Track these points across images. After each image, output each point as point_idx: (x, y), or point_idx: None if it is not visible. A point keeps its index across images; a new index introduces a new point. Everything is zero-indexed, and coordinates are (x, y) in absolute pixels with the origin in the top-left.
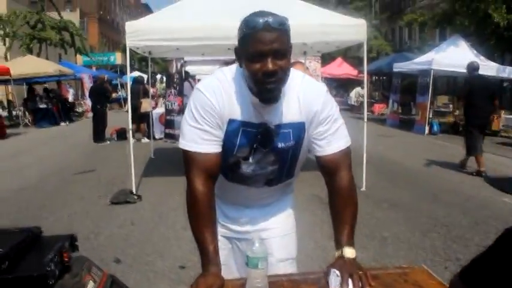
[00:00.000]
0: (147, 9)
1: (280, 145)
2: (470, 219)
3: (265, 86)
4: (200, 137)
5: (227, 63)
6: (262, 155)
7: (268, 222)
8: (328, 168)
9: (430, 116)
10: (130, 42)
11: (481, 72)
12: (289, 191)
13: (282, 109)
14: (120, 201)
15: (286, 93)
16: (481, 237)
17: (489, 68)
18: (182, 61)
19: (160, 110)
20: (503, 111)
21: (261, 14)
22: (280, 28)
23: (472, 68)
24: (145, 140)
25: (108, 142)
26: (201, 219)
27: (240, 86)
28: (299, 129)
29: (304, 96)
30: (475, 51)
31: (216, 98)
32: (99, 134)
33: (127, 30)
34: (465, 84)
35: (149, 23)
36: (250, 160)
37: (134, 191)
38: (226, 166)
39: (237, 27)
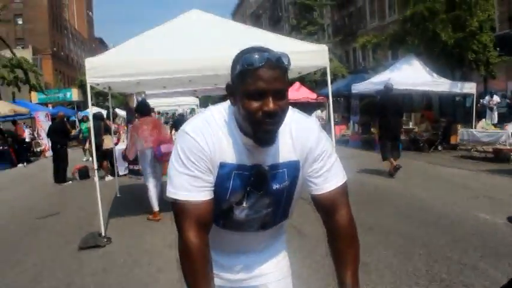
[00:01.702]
0: (101, 44)
1: (275, 187)
2: (448, 237)
3: (263, 126)
4: (190, 184)
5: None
6: (256, 199)
7: (264, 268)
8: (325, 206)
9: None
10: (90, 78)
11: (434, 89)
12: (282, 232)
13: (275, 149)
14: (89, 246)
15: (279, 132)
16: (462, 254)
17: (442, 84)
18: (143, 95)
19: (123, 145)
20: (459, 126)
21: (260, 49)
22: (282, 65)
23: (388, 88)
24: (109, 177)
25: (71, 182)
26: (197, 276)
27: (230, 126)
28: (294, 168)
29: (296, 134)
30: (427, 69)
31: (206, 141)
32: (60, 174)
33: (87, 66)
34: (379, 102)
35: (109, 59)
36: (244, 204)
37: (103, 233)
38: (218, 212)
39: (197, 60)
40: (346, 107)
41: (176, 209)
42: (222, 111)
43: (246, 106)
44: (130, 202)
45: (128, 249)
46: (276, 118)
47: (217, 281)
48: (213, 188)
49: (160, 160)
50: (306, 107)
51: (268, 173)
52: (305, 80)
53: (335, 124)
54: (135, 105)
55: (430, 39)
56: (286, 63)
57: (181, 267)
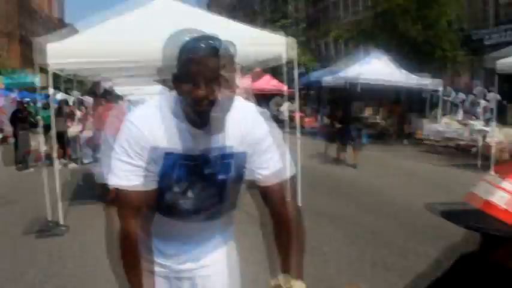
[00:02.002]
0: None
1: (220, 177)
2: (406, 229)
3: (206, 113)
4: (133, 173)
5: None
6: (202, 189)
7: (210, 258)
8: (272, 197)
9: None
10: (53, 64)
11: (402, 83)
12: (229, 223)
13: (222, 139)
14: (46, 234)
15: (226, 122)
16: (419, 246)
17: (410, 80)
18: (110, 82)
19: (88, 133)
20: (425, 120)
21: (204, 37)
22: (225, 53)
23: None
24: (72, 165)
25: (32, 169)
26: (134, 262)
27: (177, 116)
28: (240, 159)
29: (245, 125)
30: (396, 64)
31: (150, 130)
32: (21, 161)
33: (49, 52)
34: (331, 95)
35: (74, 45)
36: (189, 195)
37: (61, 221)
38: (163, 202)
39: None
40: (317, 100)
41: (117, 196)
42: (168, 100)
43: (189, 93)
44: (91, 190)
45: (86, 237)
46: (217, 104)
47: (162, 271)
48: (155, 178)
49: None
50: (276, 99)
51: (213, 163)
52: (276, 71)
53: (305, 116)
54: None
55: (399, 36)
56: (230, 50)
57: (119, 251)
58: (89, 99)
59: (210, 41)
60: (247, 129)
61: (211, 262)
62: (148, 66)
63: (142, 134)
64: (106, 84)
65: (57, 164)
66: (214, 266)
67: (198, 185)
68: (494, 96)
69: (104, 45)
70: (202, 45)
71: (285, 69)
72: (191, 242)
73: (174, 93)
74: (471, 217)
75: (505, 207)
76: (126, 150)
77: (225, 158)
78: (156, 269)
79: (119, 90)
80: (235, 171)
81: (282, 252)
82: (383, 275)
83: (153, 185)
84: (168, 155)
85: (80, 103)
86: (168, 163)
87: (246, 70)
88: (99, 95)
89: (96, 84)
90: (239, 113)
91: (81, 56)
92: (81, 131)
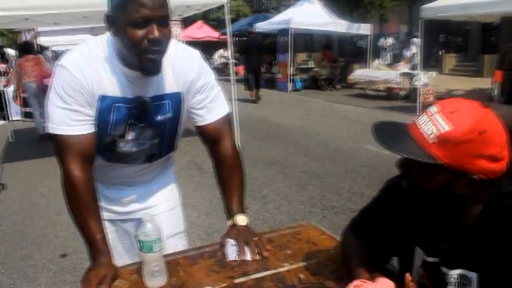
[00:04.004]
0: None
1: (157, 118)
2: (340, 169)
3: (148, 55)
4: (70, 118)
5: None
6: (140, 131)
7: (153, 199)
8: (210, 137)
9: (292, 74)
10: None
11: (334, 29)
12: (169, 164)
13: (157, 80)
14: None
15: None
16: (352, 184)
17: (340, 25)
18: (34, 32)
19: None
20: (355, 65)
21: None
22: None
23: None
24: (0, 122)
25: None
26: (83, 208)
27: (111, 58)
28: (176, 100)
29: (179, 65)
30: (327, 10)
31: (83, 74)
32: None
33: None
34: (244, 43)
35: None
36: (128, 137)
37: None
38: (102, 146)
39: None
40: None
41: (57, 144)
42: (99, 43)
43: (130, 35)
44: (25, 146)
45: (24, 194)
46: (161, 46)
47: (106, 215)
48: (94, 122)
49: (45, 93)
50: (209, 46)
51: (150, 105)
52: (208, 18)
53: (238, 64)
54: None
55: None
56: None
57: (67, 200)
58: (11, 52)
59: None
60: (180, 70)
61: (154, 203)
62: (72, 13)
63: (75, 78)
64: (28, 34)
65: None
66: (159, 206)
67: (135, 127)
68: (417, 41)
69: None
70: None
71: (227, 15)
72: (133, 184)
73: (106, 36)
74: (398, 140)
75: (422, 129)
76: (60, 96)
77: (161, 99)
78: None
79: (45, 40)
80: (172, 111)
81: (223, 188)
82: (320, 213)
83: (91, 129)
84: (102, 98)
85: (2, 56)
86: (104, 106)
87: (176, 16)
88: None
89: (18, 34)
90: (172, 53)
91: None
92: (5, 86)
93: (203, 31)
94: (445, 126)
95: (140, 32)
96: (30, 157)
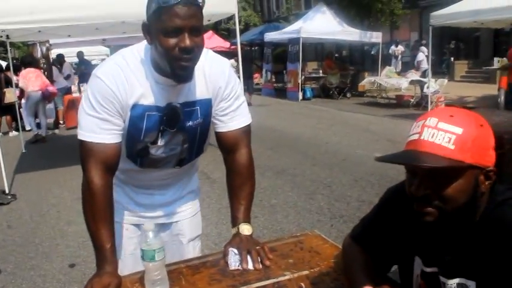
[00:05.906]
0: None
1: (188, 124)
2: (349, 177)
3: (180, 63)
4: (99, 127)
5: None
6: (171, 136)
7: (180, 204)
8: (228, 144)
9: (302, 83)
10: None
11: (344, 38)
12: (194, 170)
13: (189, 87)
14: None
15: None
16: (360, 192)
17: (352, 34)
18: (48, 44)
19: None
20: (366, 73)
21: None
22: (197, 3)
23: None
24: (13, 133)
25: None
26: (97, 215)
27: (145, 66)
28: (206, 105)
29: (210, 72)
30: (338, 19)
31: (117, 85)
32: None
33: None
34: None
35: (5, 3)
36: (159, 143)
37: (7, 190)
38: (135, 152)
39: (101, 5)
40: (260, 56)
41: (83, 150)
42: (135, 52)
43: (163, 43)
44: (37, 157)
45: (35, 204)
46: (192, 54)
47: (133, 219)
48: (121, 132)
49: (50, 99)
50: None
51: (180, 111)
52: (218, 28)
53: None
54: (39, 56)
55: None
56: (200, 0)
57: (82, 205)
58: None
59: None
60: (211, 77)
61: (181, 208)
62: (85, 25)
63: (108, 88)
64: (43, 47)
65: None
66: (184, 212)
67: (166, 133)
68: (425, 49)
69: (39, 3)
70: None
71: (237, 25)
72: (163, 189)
73: (142, 45)
74: (406, 156)
75: (435, 140)
76: (92, 104)
77: (191, 105)
78: (127, 217)
79: (57, 52)
80: (202, 117)
81: (233, 196)
82: (329, 222)
83: (118, 139)
84: (134, 106)
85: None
86: (136, 114)
87: None
88: (37, 59)
89: (33, 47)
90: (203, 60)
91: (14, 15)
92: (18, 97)
93: (214, 41)
94: (455, 130)
95: (172, 41)
96: (40, 168)
